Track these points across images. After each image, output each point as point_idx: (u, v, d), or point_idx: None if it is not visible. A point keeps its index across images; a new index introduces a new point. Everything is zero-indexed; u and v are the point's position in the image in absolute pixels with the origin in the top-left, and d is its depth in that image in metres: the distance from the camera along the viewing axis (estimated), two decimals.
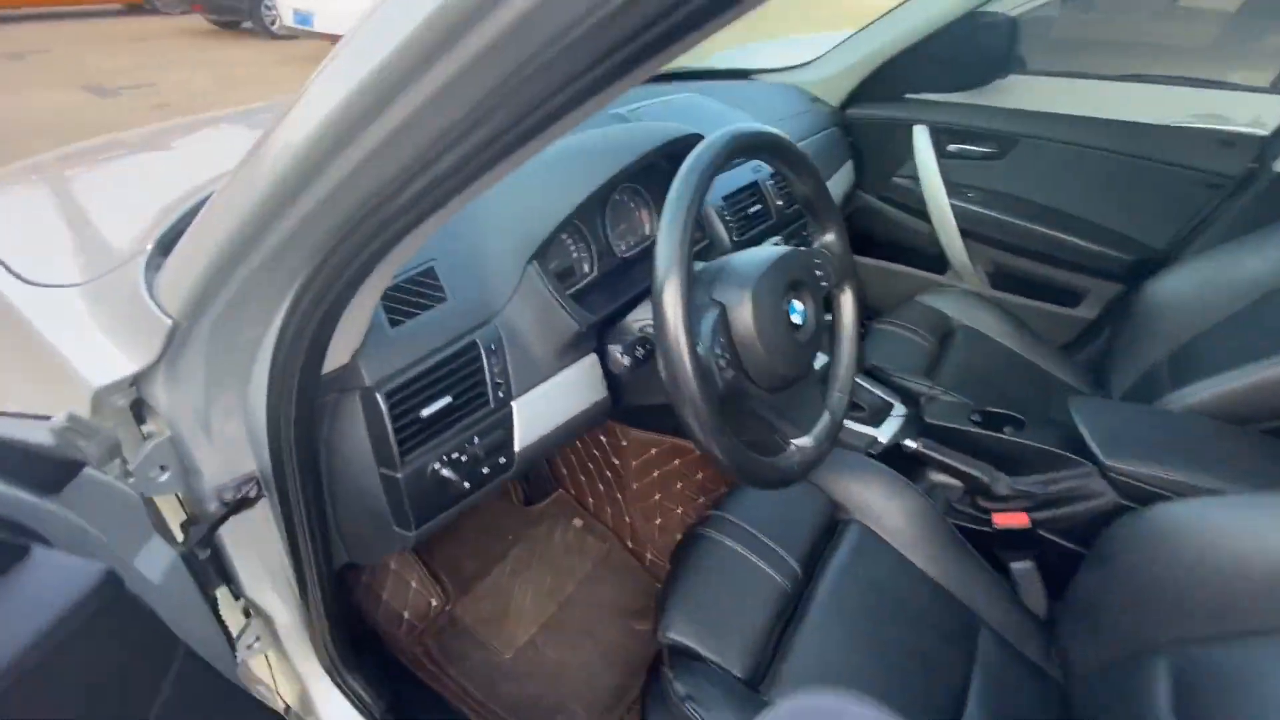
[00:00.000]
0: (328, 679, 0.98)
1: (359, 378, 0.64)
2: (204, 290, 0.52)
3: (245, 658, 0.92)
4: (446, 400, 0.68)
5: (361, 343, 0.65)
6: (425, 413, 0.67)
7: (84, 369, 0.62)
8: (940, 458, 1.15)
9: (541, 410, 0.78)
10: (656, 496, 1.36)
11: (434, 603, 1.25)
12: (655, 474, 1.35)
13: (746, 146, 0.73)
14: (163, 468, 0.71)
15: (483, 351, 0.72)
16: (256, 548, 0.79)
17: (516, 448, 0.75)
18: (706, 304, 0.71)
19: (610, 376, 0.82)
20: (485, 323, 0.74)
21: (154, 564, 0.59)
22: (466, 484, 0.69)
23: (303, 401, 0.63)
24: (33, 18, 7.40)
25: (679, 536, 1.39)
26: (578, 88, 0.34)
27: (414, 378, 0.67)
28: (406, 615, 1.21)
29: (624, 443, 1.32)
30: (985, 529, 1.10)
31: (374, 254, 0.49)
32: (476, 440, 0.71)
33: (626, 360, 0.72)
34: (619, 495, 1.40)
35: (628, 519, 1.40)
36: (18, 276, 0.77)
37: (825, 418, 0.82)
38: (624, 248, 0.98)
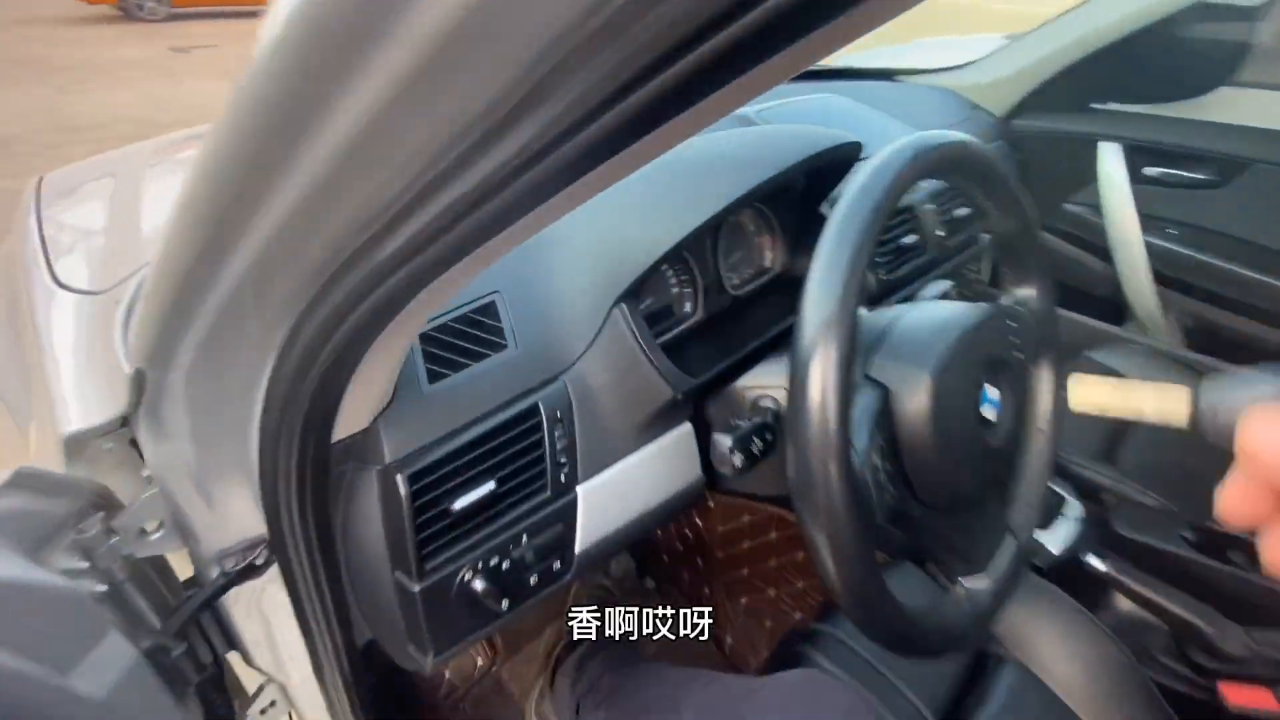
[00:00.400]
0: None
1: (377, 451, 0.49)
2: (161, 336, 0.37)
3: None
4: (489, 487, 0.51)
5: (387, 403, 0.49)
6: (459, 505, 0.50)
7: (60, 405, 0.51)
8: (1138, 588, 0.86)
9: (615, 498, 0.60)
10: (744, 571, 1.14)
11: (480, 662, 1.11)
12: (745, 545, 1.13)
13: (942, 163, 0.51)
14: (160, 524, 0.59)
15: (544, 419, 0.55)
16: (267, 616, 0.66)
17: (578, 547, 0.57)
18: (860, 383, 0.50)
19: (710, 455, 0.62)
20: (552, 380, 0.56)
21: (102, 673, 0.46)
22: (505, 601, 0.52)
23: (305, 473, 0.47)
24: (206, 15, 8.19)
25: (768, 624, 1.18)
26: (677, 75, 0.16)
27: (450, 454, 0.50)
28: (448, 674, 1.07)
29: (710, 503, 1.12)
30: (1203, 698, 0.80)
31: (383, 305, 0.32)
32: (525, 539, 0.54)
33: (738, 459, 0.52)
34: (698, 560, 1.20)
35: (707, 590, 1.19)
36: (54, 277, 0.68)
37: (1008, 546, 0.59)
38: (736, 282, 0.78)
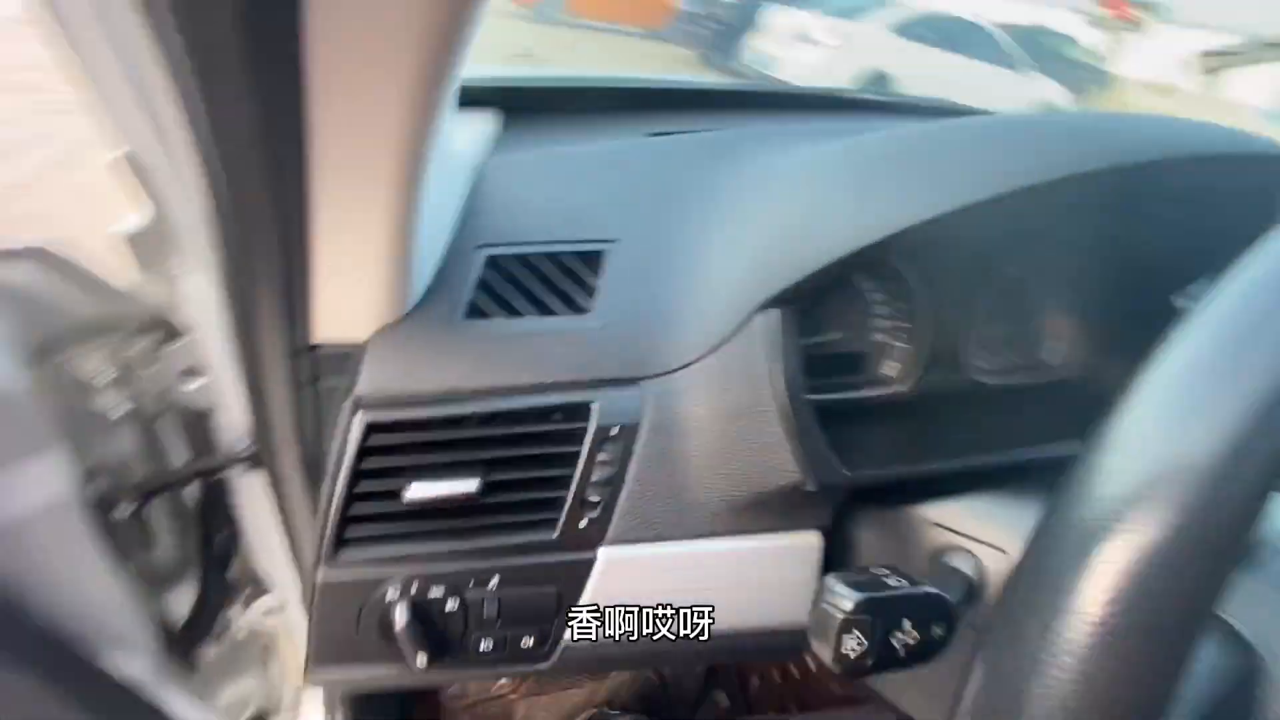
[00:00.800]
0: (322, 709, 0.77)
1: (355, 375, 0.35)
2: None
3: (254, 625, 0.75)
4: (469, 487, 0.34)
5: (398, 317, 0.35)
6: (417, 494, 0.34)
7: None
8: None
9: (655, 592, 0.38)
10: None
11: (504, 679, 0.96)
12: None
13: None
14: (194, 372, 0.54)
15: (592, 429, 0.36)
16: (257, 520, 0.58)
17: (570, 634, 0.37)
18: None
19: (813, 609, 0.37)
20: (627, 382, 0.37)
21: (23, 490, 0.40)
22: (424, 655, 0.34)
23: (275, 372, 0.36)
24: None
25: None
26: None
27: (437, 420, 0.35)
28: None
29: None
30: None
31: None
32: (495, 583, 0.36)
33: (854, 645, 0.27)
34: (793, 703, 0.91)
35: None
36: None
37: None
38: (986, 366, 0.50)
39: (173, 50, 0.20)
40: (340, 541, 0.35)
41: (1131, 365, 0.51)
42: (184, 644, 0.64)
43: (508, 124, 0.52)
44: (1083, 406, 0.51)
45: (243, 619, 0.73)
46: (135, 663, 0.52)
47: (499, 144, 0.49)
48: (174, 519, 0.58)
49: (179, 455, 0.56)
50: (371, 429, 0.34)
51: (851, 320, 0.47)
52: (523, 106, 0.53)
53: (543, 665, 0.38)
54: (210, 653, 0.72)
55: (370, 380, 0.35)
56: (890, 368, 0.48)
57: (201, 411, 0.57)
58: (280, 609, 0.72)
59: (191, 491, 0.59)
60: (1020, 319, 0.51)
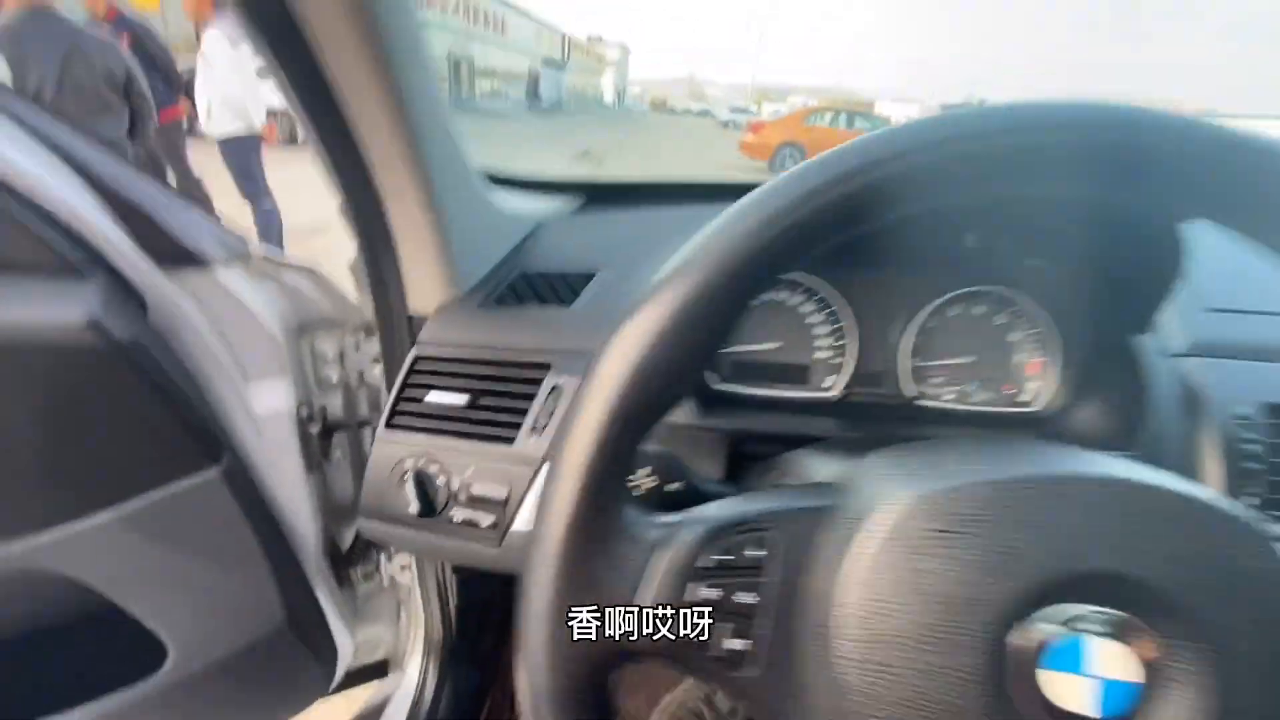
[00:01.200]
0: (425, 655, 0.95)
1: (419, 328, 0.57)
2: None
3: (393, 575, 0.97)
4: (461, 400, 0.52)
5: (451, 300, 0.57)
6: (429, 399, 0.53)
7: None
8: None
9: None
10: None
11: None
12: None
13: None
14: (379, 361, 0.81)
15: (547, 381, 0.52)
16: None
17: (518, 525, 0.51)
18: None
19: None
20: (582, 354, 0.53)
21: (264, 399, 0.68)
22: (416, 505, 0.51)
23: (394, 333, 0.60)
24: None
25: None
26: None
27: (451, 358, 0.54)
28: None
29: None
30: None
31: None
32: (470, 472, 0.52)
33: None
34: None
35: None
36: None
37: None
38: (937, 392, 0.54)
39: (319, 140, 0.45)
40: (389, 424, 0.55)
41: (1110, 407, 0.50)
42: (343, 565, 0.88)
43: (585, 205, 0.75)
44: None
45: (386, 567, 0.97)
46: (309, 558, 0.77)
47: (569, 215, 0.71)
48: (352, 463, 0.85)
49: (361, 413, 0.84)
50: (418, 358, 0.55)
51: (795, 339, 0.56)
52: (597, 196, 0.75)
53: (494, 550, 0.52)
54: (360, 590, 0.96)
55: (426, 332, 0.56)
56: (829, 380, 0.55)
57: (378, 387, 0.85)
58: (408, 566, 0.94)
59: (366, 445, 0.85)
60: (991, 347, 0.54)
